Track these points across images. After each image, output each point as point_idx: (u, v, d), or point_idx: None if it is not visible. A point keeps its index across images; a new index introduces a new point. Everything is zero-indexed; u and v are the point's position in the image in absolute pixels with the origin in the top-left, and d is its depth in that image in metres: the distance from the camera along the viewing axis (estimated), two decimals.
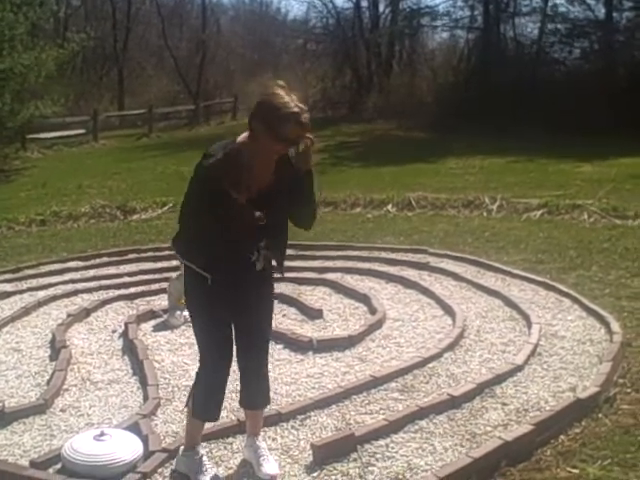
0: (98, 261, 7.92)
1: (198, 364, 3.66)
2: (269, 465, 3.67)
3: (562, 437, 4.00)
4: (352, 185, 12.57)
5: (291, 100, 3.23)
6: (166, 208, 11.21)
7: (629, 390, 4.54)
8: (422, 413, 4.17)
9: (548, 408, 4.21)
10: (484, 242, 8.52)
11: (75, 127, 23.67)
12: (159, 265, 7.63)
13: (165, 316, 5.99)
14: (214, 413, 3.68)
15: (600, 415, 4.22)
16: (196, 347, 5.00)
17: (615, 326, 5.40)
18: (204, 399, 3.61)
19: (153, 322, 5.98)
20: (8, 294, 6.76)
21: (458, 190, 11.89)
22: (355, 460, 3.76)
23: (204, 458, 3.69)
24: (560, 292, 6.35)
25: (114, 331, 5.82)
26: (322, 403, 4.35)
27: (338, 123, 24.17)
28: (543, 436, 3.95)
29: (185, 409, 3.86)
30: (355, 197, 11.31)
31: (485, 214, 10.25)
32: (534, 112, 19.12)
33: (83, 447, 3.72)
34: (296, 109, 3.21)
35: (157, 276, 7.20)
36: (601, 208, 9.95)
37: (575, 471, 3.67)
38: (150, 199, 11.67)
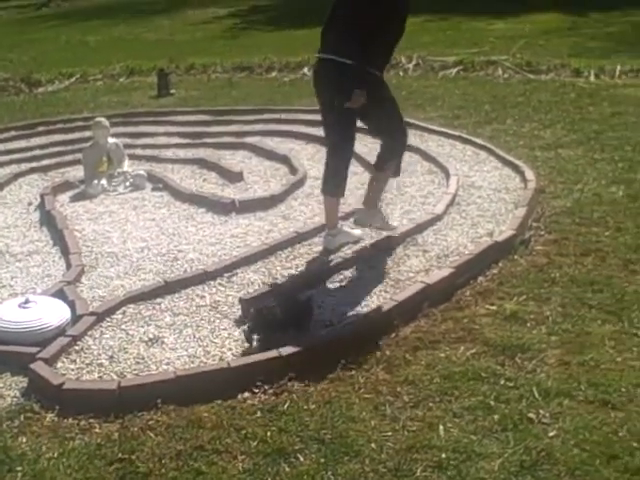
0: (6, 135, 7.62)
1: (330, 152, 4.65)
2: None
3: (481, 278, 4.17)
4: (266, 50, 12.25)
5: None
6: (73, 79, 10.77)
7: (543, 232, 4.74)
8: (346, 264, 4.27)
9: (467, 252, 4.37)
10: (401, 101, 8.35)
11: None
12: (70, 137, 7.40)
13: (82, 186, 5.85)
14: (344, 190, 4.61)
15: (516, 257, 4.41)
16: (116, 215, 5.04)
17: (529, 174, 5.57)
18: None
19: (70, 193, 5.85)
20: None
21: None
22: None
23: (345, 228, 4.62)
24: (476, 145, 6.47)
25: (30, 204, 5.67)
26: (248, 260, 4.40)
27: None
28: (463, 278, 4.11)
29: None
30: (270, 61, 11.06)
31: (402, 73, 10.19)
32: None
33: (9, 315, 3.69)
34: None
35: (70, 147, 7.00)
36: (515, 64, 10.03)
37: (493, 307, 3.86)
38: (56, 70, 11.14)
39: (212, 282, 4.19)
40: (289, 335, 3.50)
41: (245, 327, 3.60)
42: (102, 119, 6.16)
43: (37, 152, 6.97)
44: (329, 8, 4.47)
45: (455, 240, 4.58)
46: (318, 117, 7.62)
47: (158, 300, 4.02)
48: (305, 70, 10.53)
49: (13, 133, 7.65)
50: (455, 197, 5.23)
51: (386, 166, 4.62)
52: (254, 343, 3.52)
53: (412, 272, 4.21)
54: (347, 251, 4.47)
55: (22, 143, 7.33)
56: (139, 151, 6.83)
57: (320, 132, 7.05)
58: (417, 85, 9.36)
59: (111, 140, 6.07)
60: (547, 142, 6.67)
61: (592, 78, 9.14)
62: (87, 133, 6.80)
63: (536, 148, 6.49)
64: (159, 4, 20.84)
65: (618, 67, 9.36)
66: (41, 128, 7.78)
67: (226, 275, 4.25)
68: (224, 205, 5.28)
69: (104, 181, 5.84)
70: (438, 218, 4.88)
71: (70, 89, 10.35)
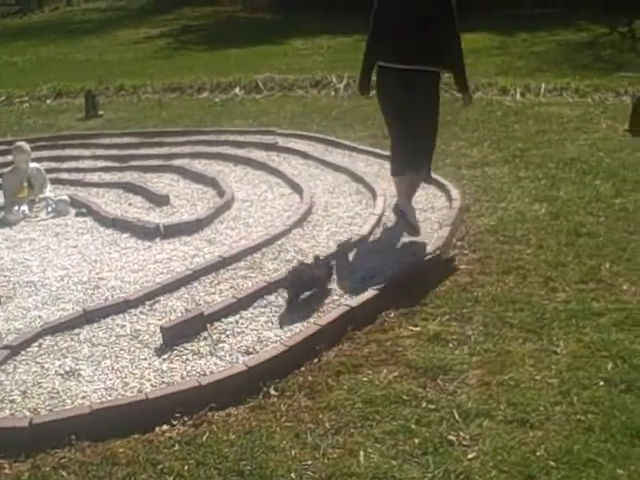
0: None
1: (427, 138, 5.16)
2: None
3: (405, 300, 4.17)
4: (197, 70, 12.20)
5: None
6: None
7: (466, 251, 4.78)
8: (270, 288, 4.22)
9: (391, 273, 4.36)
10: (332, 120, 8.55)
11: None
12: None
13: (1, 213, 5.69)
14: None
15: (440, 276, 4.42)
16: (37, 243, 4.92)
17: (454, 193, 5.61)
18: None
19: None
20: None
21: (306, 71, 11.77)
22: (206, 338, 3.79)
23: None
24: None
25: None
26: (171, 287, 4.31)
27: (181, 6, 23.16)
28: (387, 300, 4.10)
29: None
30: (201, 81, 10.99)
31: (333, 93, 10.22)
32: None
33: None
34: None
35: None
36: (444, 82, 10.11)
37: (417, 329, 3.86)
38: None
39: (133, 310, 4.09)
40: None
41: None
42: (22, 143, 6.01)
43: None
44: None
45: (380, 261, 4.58)
46: (247, 138, 7.67)
47: (76, 330, 3.91)
48: (236, 90, 10.50)
49: None
50: (381, 218, 5.24)
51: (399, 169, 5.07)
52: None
53: (336, 295, 4.18)
54: (272, 275, 4.42)
55: None
56: (64, 175, 6.68)
57: (249, 154, 7.07)
58: (348, 105, 9.40)
59: (32, 165, 5.93)
60: (474, 160, 6.76)
61: (518, 96, 9.33)
62: (10, 157, 6.61)
63: (463, 167, 6.56)
64: (89, 23, 20.58)
65: (543, 85, 9.58)
66: None
67: (148, 303, 4.16)
68: (148, 230, 5.19)
69: (25, 207, 5.69)
70: (364, 239, 4.88)
71: None
